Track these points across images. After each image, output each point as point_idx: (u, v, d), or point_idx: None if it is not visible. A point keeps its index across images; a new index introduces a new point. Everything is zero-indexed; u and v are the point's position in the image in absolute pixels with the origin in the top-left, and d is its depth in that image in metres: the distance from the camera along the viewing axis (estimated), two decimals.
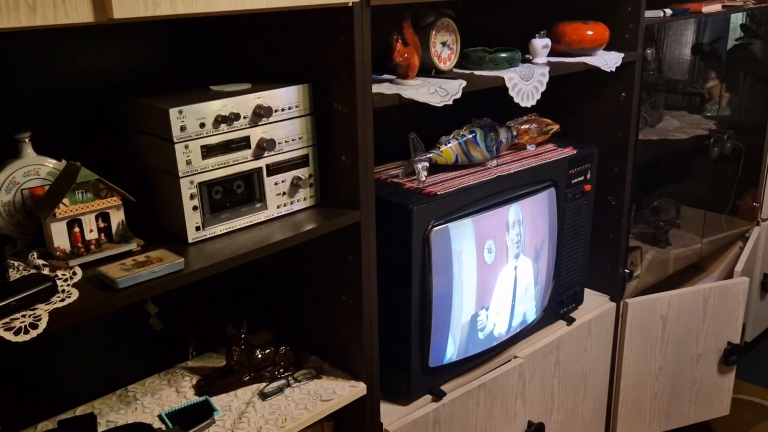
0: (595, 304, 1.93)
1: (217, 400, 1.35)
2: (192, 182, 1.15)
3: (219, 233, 1.20)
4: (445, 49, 1.47)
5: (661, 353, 2.05)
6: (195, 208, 1.16)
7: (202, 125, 1.14)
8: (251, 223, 1.24)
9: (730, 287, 2.10)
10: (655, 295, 2.01)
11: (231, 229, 1.21)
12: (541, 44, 1.60)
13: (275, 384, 1.38)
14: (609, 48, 1.72)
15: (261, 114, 1.20)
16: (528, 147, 1.73)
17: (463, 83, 1.39)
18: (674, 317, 2.03)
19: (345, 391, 1.36)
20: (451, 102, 1.35)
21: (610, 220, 1.91)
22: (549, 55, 1.63)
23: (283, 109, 1.23)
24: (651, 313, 2.00)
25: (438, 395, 1.52)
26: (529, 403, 1.75)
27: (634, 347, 2.00)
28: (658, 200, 2.30)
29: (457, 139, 1.54)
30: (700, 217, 2.34)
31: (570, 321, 1.84)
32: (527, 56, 1.63)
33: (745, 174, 2.46)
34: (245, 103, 1.19)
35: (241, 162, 1.20)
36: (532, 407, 1.76)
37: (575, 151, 1.73)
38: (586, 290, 1.93)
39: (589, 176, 1.78)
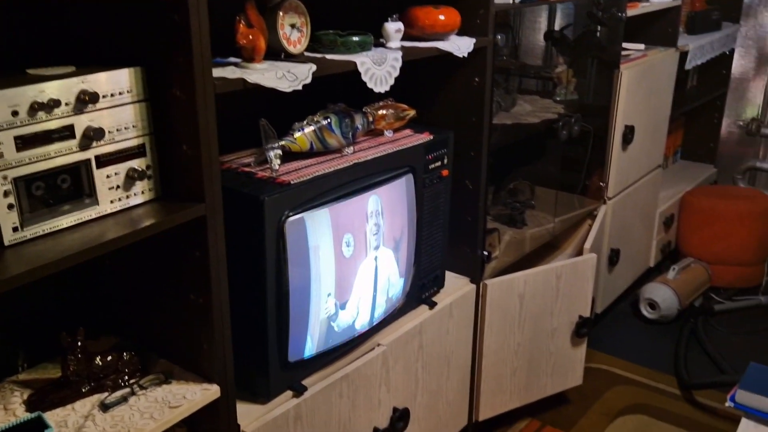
0: (455, 287, 1.96)
1: (51, 416, 1.23)
2: (5, 178, 1.02)
3: (42, 233, 1.08)
4: (294, 31, 1.41)
5: (519, 330, 2.12)
6: (11, 206, 1.03)
7: (15, 113, 1.01)
8: (80, 221, 1.12)
9: (580, 264, 2.21)
10: (513, 275, 2.07)
11: (56, 228, 1.09)
12: (393, 28, 1.58)
13: (118, 393, 1.27)
14: (461, 33, 1.74)
15: (86, 100, 1.08)
16: (385, 133, 1.71)
17: (313, 67, 1.33)
18: (530, 295, 2.11)
19: (196, 395, 1.28)
20: (300, 87, 1.29)
21: (467, 204, 1.94)
22: (402, 39, 1.61)
23: (112, 95, 1.12)
24: (509, 292, 2.06)
25: (299, 391, 1.48)
26: (393, 389, 1.75)
27: (494, 326, 2.06)
28: (514, 182, 2.37)
29: (311, 126, 1.49)
30: (553, 197, 2.45)
31: (432, 305, 1.86)
32: (381, 40, 1.61)
33: (593, 155, 2.59)
34: (67, 88, 1.07)
35: (65, 153, 1.08)
36: (396, 393, 1.76)
37: (431, 137, 1.73)
38: (447, 273, 1.96)
39: (446, 161, 1.79)
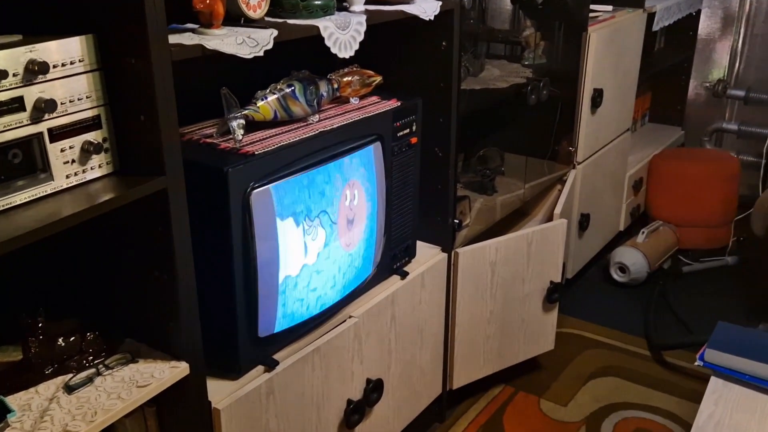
0: (427, 256, 1.96)
1: (13, 400, 1.20)
2: None
3: None
4: None
5: (491, 298, 2.14)
6: None
7: None
8: (35, 197, 1.09)
9: (550, 230, 2.23)
10: (484, 242, 2.08)
11: (9, 206, 1.05)
12: None
13: (83, 374, 1.25)
14: None
15: (35, 70, 1.04)
16: (351, 100, 1.68)
17: (275, 32, 1.30)
18: (502, 262, 2.12)
19: (164, 373, 1.26)
20: (261, 53, 1.26)
21: (437, 172, 1.93)
22: (366, 2, 1.58)
23: (63, 65, 1.08)
24: (480, 260, 2.07)
25: (270, 365, 1.47)
26: (366, 361, 1.75)
27: (466, 295, 2.07)
28: (483, 149, 2.37)
29: (275, 94, 1.46)
30: (523, 164, 2.46)
31: (403, 275, 1.86)
32: (344, 4, 1.57)
33: (562, 120, 2.60)
34: (14, 58, 1.02)
35: (15, 127, 1.04)
36: (369, 365, 1.77)
37: (399, 103, 1.71)
38: (418, 243, 1.96)
39: (414, 128, 1.78)
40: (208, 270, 1.34)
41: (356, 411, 1.71)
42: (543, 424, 2.19)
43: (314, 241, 1.51)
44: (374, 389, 1.78)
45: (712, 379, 1.53)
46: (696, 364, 1.57)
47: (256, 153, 1.35)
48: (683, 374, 2.42)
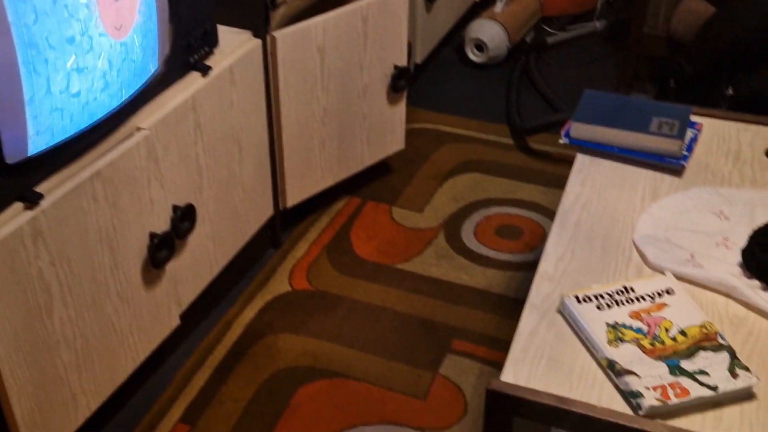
0: (234, 45, 1.84)
1: None
2: None
3: None
4: None
5: (323, 92, 2.07)
6: None
7: None
8: None
9: (390, 1, 2.14)
10: (307, 22, 1.97)
11: None
12: None
13: None
14: None
15: None
16: None
17: None
18: (332, 46, 2.04)
19: None
20: None
21: None
22: None
23: None
24: (305, 45, 1.97)
25: (32, 200, 1.34)
26: (168, 183, 1.65)
27: (292, 90, 1.99)
28: None
29: None
30: None
31: (205, 70, 1.74)
32: None
33: None
34: None
35: None
36: (174, 188, 1.68)
37: None
38: (221, 27, 1.82)
39: None
40: None
41: (163, 245, 1.64)
42: (396, 234, 2.23)
43: (66, 27, 1.32)
44: (184, 217, 1.70)
45: (579, 156, 1.58)
46: (561, 141, 1.60)
47: None
48: (550, 160, 2.53)
